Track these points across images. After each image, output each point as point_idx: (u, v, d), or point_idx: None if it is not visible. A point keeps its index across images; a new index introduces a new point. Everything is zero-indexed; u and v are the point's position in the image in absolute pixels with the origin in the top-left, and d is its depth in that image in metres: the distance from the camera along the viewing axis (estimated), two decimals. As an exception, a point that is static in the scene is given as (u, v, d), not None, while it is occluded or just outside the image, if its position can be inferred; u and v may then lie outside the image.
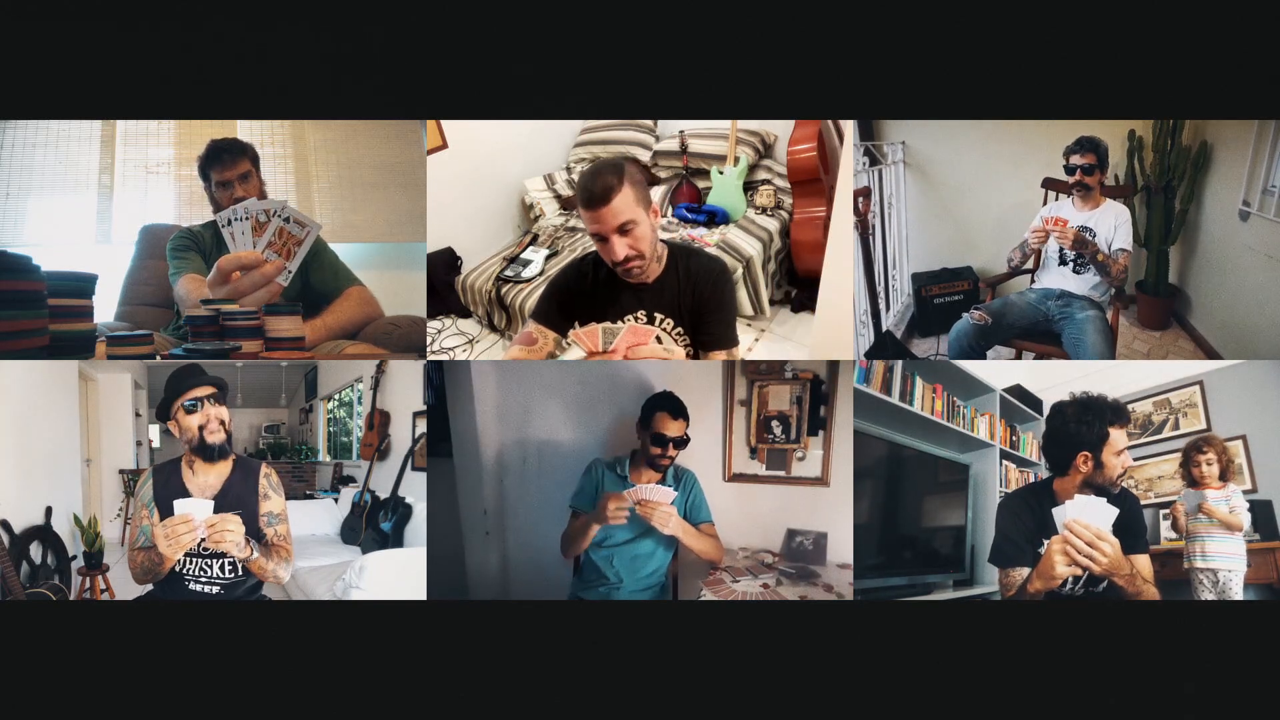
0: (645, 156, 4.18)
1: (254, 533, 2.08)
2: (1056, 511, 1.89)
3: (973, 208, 3.39)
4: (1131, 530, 2.04)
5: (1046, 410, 2.21)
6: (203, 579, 2.07)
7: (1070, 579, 2.00)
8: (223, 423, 2.10)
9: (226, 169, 2.79)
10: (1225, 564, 2.42)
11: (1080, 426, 2.04)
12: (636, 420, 2.41)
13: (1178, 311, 3.05)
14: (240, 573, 2.08)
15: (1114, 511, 1.86)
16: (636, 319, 2.16)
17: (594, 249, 2.15)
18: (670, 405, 2.36)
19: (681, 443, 2.36)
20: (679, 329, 2.18)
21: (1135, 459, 3.18)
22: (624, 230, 2.03)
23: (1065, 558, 1.83)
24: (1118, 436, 2.04)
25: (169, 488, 2.07)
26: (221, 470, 2.12)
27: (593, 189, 2.00)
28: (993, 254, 3.18)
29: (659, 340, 2.00)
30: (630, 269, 2.07)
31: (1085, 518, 1.85)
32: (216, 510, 1.98)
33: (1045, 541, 1.92)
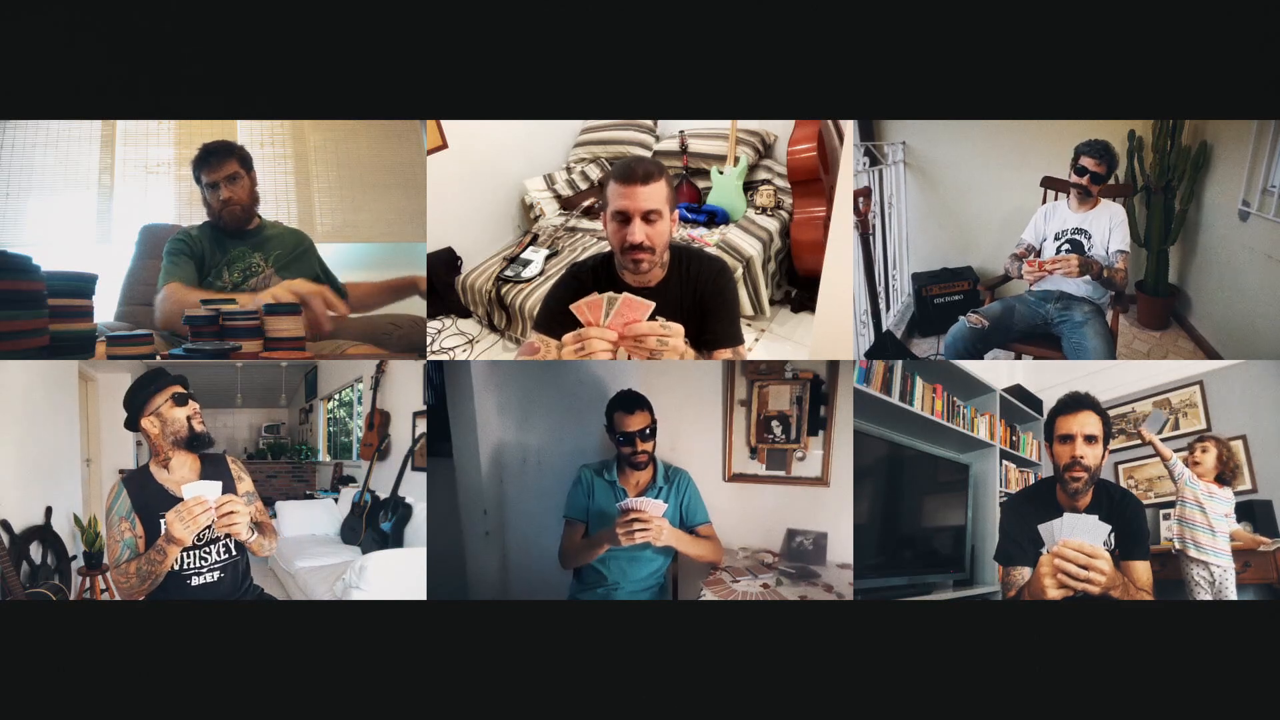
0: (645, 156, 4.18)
1: None
2: (1043, 529, 1.88)
3: (973, 208, 3.39)
4: (1132, 536, 2.07)
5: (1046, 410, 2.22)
6: (203, 568, 2.10)
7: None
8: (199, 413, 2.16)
9: (214, 171, 2.79)
10: (1217, 560, 2.43)
11: (1049, 419, 2.12)
12: (604, 428, 2.42)
13: (1178, 311, 3.04)
14: (235, 551, 2.14)
15: (1105, 528, 1.86)
16: None
17: (589, 255, 2.16)
18: (623, 402, 2.36)
19: (647, 434, 2.35)
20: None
21: (1135, 459, 3.18)
22: (648, 218, 2.05)
23: (1055, 581, 1.81)
24: (1063, 424, 2.08)
25: (147, 494, 2.08)
26: (194, 465, 2.15)
27: (636, 167, 2.06)
28: (993, 254, 3.18)
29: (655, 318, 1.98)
30: (639, 260, 2.07)
31: (1075, 536, 1.83)
32: None
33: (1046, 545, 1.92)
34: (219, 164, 2.79)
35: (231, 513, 2.00)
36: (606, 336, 1.87)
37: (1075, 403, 2.10)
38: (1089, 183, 2.73)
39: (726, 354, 2.22)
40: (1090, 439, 2.07)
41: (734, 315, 2.24)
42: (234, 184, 2.80)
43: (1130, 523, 2.08)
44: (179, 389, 2.13)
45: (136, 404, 2.12)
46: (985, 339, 2.80)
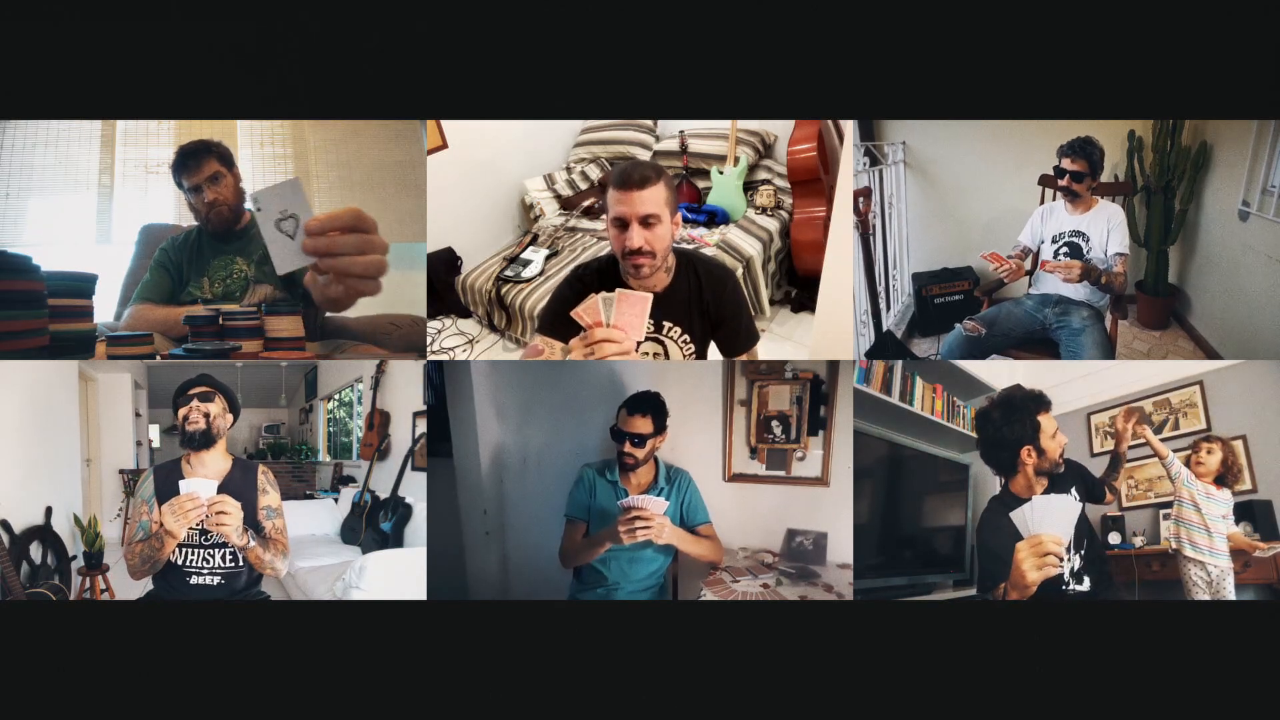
0: (645, 156, 4.18)
1: (253, 525, 2.16)
2: (1015, 515, 1.86)
3: (973, 208, 3.39)
4: (1093, 489, 2.24)
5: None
6: (205, 570, 2.13)
7: (1069, 573, 2.01)
8: (207, 415, 2.18)
9: (194, 174, 2.68)
10: (1213, 560, 2.43)
11: (1012, 426, 2.08)
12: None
13: (1178, 311, 3.04)
14: (240, 563, 2.16)
15: (1078, 505, 1.87)
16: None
17: (595, 257, 2.15)
18: (634, 401, 2.35)
19: (637, 441, 2.33)
20: (685, 336, 2.19)
21: (1136, 459, 3.18)
22: (647, 222, 2.04)
23: (1035, 564, 1.80)
24: (1046, 422, 2.09)
25: (169, 484, 2.12)
26: (220, 468, 2.20)
27: (632, 173, 2.05)
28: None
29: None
30: (640, 265, 2.07)
31: (1051, 519, 1.83)
32: None
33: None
34: (198, 166, 2.68)
35: (222, 513, 2.04)
36: (613, 336, 1.86)
37: (1050, 401, 2.14)
38: (1070, 183, 2.70)
39: (746, 355, 2.27)
40: None
41: (750, 322, 2.27)
42: (217, 184, 2.69)
43: (1084, 480, 2.21)
44: (190, 392, 2.19)
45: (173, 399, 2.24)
46: (981, 346, 2.80)
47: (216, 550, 2.14)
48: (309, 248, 1.73)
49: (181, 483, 2.06)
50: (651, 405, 2.34)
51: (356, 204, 1.78)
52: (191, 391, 2.19)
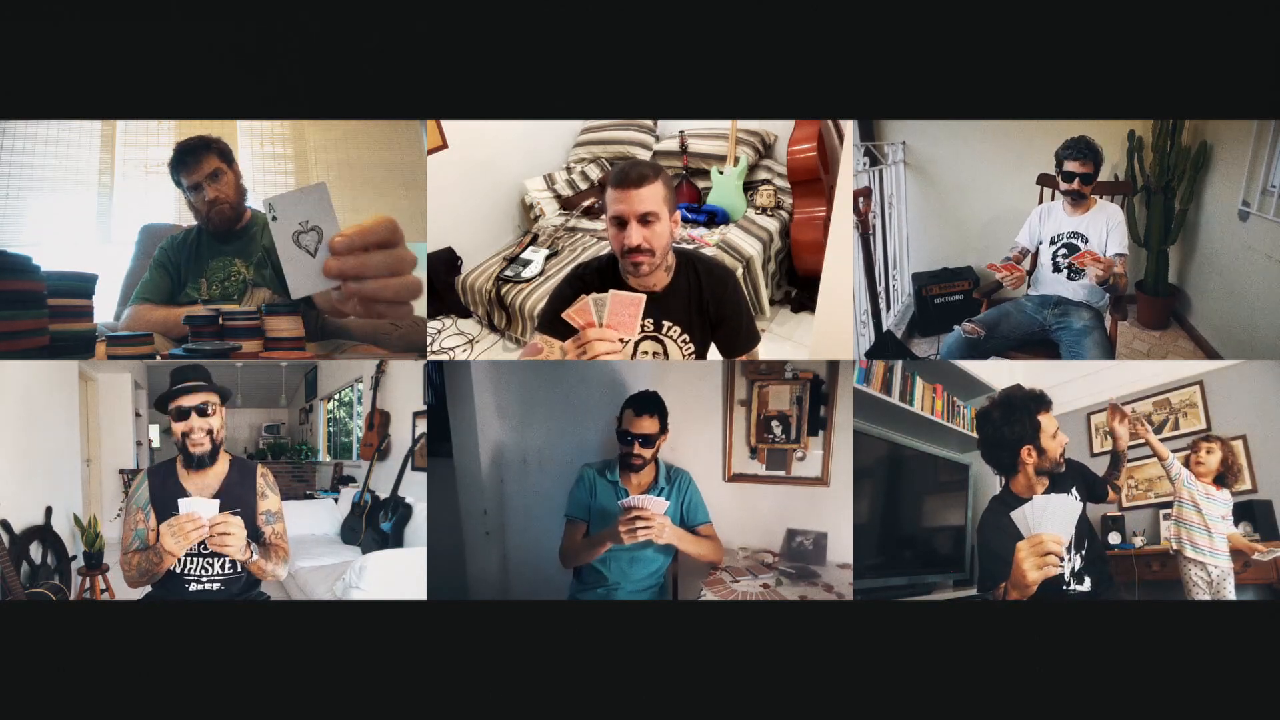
0: (645, 156, 4.18)
1: (252, 531, 2.12)
2: (1015, 515, 1.87)
3: (973, 207, 3.39)
4: (1095, 488, 2.23)
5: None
6: (203, 577, 2.10)
7: (1069, 573, 2.02)
8: (210, 432, 2.11)
9: (193, 171, 2.61)
10: (1214, 560, 2.43)
11: (1013, 426, 2.09)
12: (617, 418, 2.41)
13: (1177, 311, 3.04)
14: (240, 569, 2.13)
15: (1078, 505, 1.87)
16: (643, 327, 2.15)
17: (595, 256, 2.15)
18: (638, 401, 2.35)
19: (645, 441, 2.33)
20: (685, 336, 2.19)
21: (1136, 459, 3.18)
22: (645, 220, 2.04)
23: (1036, 563, 1.80)
24: (1046, 421, 2.09)
25: (166, 489, 2.09)
26: (219, 470, 2.16)
27: (630, 171, 2.06)
28: (993, 254, 3.17)
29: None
30: (639, 262, 2.07)
31: (1051, 519, 1.83)
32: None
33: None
34: (197, 163, 2.61)
35: (225, 534, 1.99)
36: (606, 336, 1.86)
37: (1050, 401, 2.14)
38: (1080, 185, 2.70)
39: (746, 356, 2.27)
40: None
41: (750, 322, 2.27)
42: (217, 181, 2.63)
43: (1085, 480, 2.21)
44: (183, 402, 2.10)
45: (160, 397, 2.16)
46: (980, 348, 2.80)
47: (216, 558, 2.10)
48: (332, 269, 1.43)
49: (181, 502, 2.01)
50: (656, 405, 2.35)
51: (357, 204, 1.77)
52: (186, 403, 2.09)
